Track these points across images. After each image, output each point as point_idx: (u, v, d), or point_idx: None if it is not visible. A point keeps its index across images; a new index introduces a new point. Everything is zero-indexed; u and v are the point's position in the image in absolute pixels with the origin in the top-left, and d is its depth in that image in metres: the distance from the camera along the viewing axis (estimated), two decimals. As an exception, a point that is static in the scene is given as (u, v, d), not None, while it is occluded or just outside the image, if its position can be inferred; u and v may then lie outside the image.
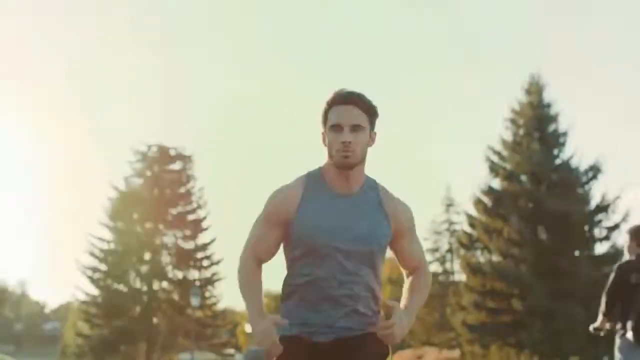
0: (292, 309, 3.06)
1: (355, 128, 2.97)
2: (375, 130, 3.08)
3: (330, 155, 3.02)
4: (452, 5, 73.47)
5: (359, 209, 3.02)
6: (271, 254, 3.13)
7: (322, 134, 3.06)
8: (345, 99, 3.00)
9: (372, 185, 3.10)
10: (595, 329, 6.52)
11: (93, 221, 38.16)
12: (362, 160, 3.04)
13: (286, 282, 3.11)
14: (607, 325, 6.46)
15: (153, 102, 77.04)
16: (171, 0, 78.36)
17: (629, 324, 6.25)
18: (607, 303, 6.42)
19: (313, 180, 3.08)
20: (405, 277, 3.24)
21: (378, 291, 3.09)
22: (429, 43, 75.80)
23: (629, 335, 6.25)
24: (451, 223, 45.49)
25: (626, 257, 6.53)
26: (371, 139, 3.06)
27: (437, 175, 76.16)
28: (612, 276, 6.46)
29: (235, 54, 75.63)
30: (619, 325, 6.37)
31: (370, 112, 3.03)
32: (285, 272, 3.14)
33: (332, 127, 2.99)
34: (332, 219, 2.99)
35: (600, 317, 6.49)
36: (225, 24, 78.71)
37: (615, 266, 6.53)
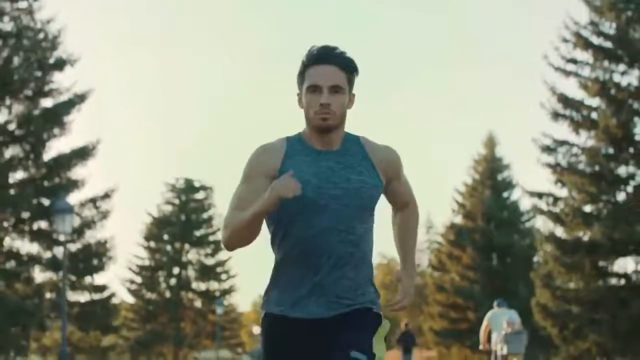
0: (284, 280, 2.79)
1: (335, 89, 2.72)
2: (354, 92, 2.82)
3: (308, 118, 2.77)
4: (452, 6, 73.25)
5: (344, 163, 2.78)
6: None
7: (298, 95, 2.81)
8: (324, 58, 2.74)
9: (353, 139, 2.85)
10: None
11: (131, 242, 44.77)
12: (342, 123, 2.79)
13: (275, 250, 2.82)
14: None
15: (153, 106, 77.30)
16: (171, 1, 78.72)
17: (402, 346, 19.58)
18: (398, 341, 20.04)
19: (293, 141, 2.82)
20: (392, 215, 3.04)
21: (371, 252, 2.85)
22: (429, 43, 75.33)
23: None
24: (431, 242, 52.64)
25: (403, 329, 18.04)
26: (350, 101, 2.80)
27: (436, 175, 77.82)
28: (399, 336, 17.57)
29: (235, 56, 74.83)
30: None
31: (350, 70, 2.77)
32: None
33: (310, 88, 2.74)
34: (320, 174, 2.74)
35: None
36: (225, 23, 77.78)
37: (400, 333, 17.39)
